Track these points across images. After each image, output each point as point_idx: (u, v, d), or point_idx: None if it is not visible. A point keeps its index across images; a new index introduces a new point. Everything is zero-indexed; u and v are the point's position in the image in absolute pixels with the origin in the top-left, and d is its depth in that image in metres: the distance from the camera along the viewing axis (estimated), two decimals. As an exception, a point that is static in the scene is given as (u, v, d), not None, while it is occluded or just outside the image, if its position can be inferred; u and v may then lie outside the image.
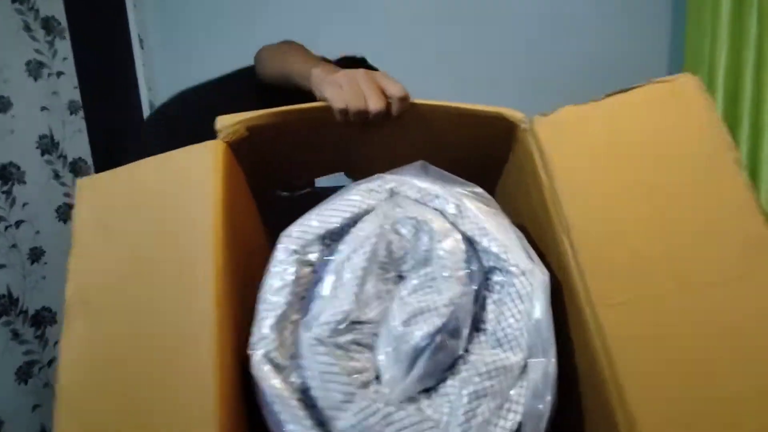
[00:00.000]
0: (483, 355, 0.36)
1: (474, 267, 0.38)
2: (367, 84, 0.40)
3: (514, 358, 0.35)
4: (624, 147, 0.37)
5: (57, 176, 1.23)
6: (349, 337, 0.34)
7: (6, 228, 1.12)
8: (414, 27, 1.28)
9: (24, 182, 1.17)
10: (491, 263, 0.38)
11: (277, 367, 0.33)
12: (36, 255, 1.13)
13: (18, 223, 1.14)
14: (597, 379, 0.34)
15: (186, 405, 0.29)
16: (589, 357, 0.35)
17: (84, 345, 0.33)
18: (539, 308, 0.35)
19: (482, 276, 0.38)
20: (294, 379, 0.33)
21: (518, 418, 0.34)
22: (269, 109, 0.40)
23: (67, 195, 1.24)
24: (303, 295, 0.36)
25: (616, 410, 0.32)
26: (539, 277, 0.36)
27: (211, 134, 0.76)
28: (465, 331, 0.36)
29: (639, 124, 0.37)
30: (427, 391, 0.35)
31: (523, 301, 0.36)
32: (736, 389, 0.31)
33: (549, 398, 0.34)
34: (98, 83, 1.33)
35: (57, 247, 1.19)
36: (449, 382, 0.36)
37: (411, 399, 0.34)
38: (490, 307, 0.38)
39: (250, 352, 0.33)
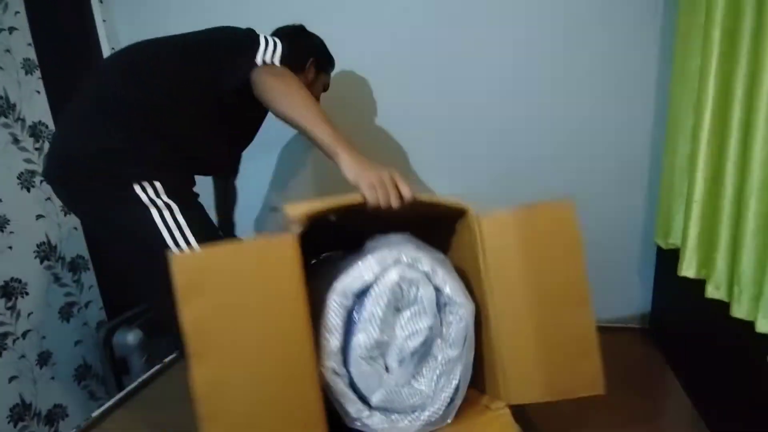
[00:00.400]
0: (442, 352, 0.66)
1: (440, 304, 0.66)
2: (391, 187, 0.62)
3: (457, 352, 0.66)
4: (521, 242, 0.67)
5: (16, 141, 1.17)
6: (376, 352, 0.61)
7: (-34, 195, 1.09)
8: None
9: (-21, 145, 1.11)
10: (446, 300, 0.67)
11: (337, 375, 0.59)
12: (0, 224, 1.13)
13: (-21, 189, 1.11)
14: (492, 351, 0.67)
15: (301, 409, 0.52)
16: (489, 342, 0.68)
17: (212, 384, 0.51)
18: (469, 325, 0.66)
19: (443, 308, 0.67)
20: (345, 378, 0.60)
21: (457, 382, 0.66)
22: (326, 204, 0.60)
23: (28, 161, 1.21)
24: (345, 330, 0.61)
25: (496, 360, 0.66)
26: (470, 307, 0.67)
27: (168, 100, 0.74)
28: (437, 342, 0.66)
29: (530, 229, 0.67)
30: (414, 375, 0.65)
31: (462, 321, 0.67)
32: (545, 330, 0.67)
33: (471, 371, 0.67)
34: (54, 40, 1.23)
35: (22, 215, 1.18)
36: (425, 368, 0.65)
37: (408, 381, 0.63)
38: (445, 325, 0.67)
39: (322, 369, 0.58)
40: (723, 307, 0.82)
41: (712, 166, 0.88)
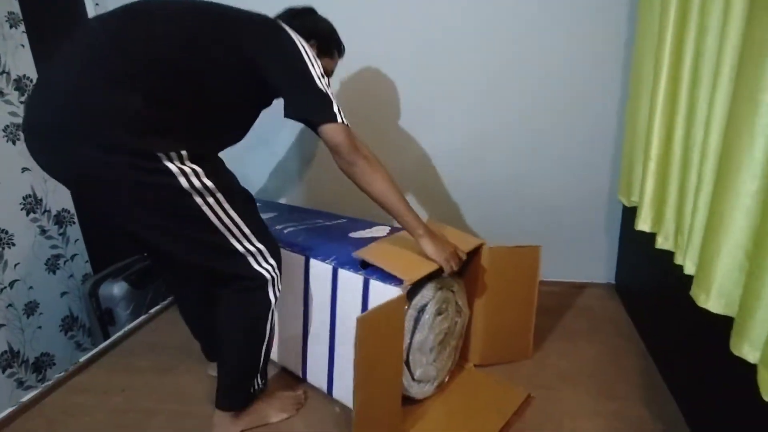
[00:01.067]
0: (450, 343, 1.02)
1: (458, 313, 1.01)
2: (458, 257, 0.91)
3: (456, 341, 1.04)
4: (505, 267, 1.04)
5: (1, 93, 1.19)
6: (424, 344, 0.93)
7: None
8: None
9: (-33, 95, 1.14)
10: (459, 309, 1.01)
11: (404, 361, 0.90)
12: (-14, 176, 1.14)
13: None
14: (470, 334, 1.08)
15: (388, 391, 0.87)
16: (470, 329, 1.08)
17: (365, 370, 0.79)
18: (465, 323, 1.05)
19: (458, 315, 1.01)
20: (404, 361, 0.90)
21: (454, 358, 1.05)
22: (424, 271, 0.88)
23: (13, 114, 1.24)
24: (413, 330, 0.92)
25: (472, 340, 1.08)
26: (468, 313, 1.04)
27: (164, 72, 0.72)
28: (450, 340, 1.01)
29: (511, 260, 1.05)
30: (436, 358, 0.98)
31: (462, 321, 1.03)
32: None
33: (460, 349, 1.06)
34: (38, -7, 1.25)
35: (7, 168, 1.22)
36: (441, 353, 1.00)
37: (432, 361, 0.97)
38: (457, 324, 1.02)
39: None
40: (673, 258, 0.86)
41: (666, 125, 0.92)
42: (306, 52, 0.82)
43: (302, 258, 1.00)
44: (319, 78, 0.82)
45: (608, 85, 1.28)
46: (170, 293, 1.11)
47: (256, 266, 0.84)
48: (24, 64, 1.29)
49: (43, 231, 1.31)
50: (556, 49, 1.28)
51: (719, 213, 0.70)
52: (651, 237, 0.99)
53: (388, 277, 0.86)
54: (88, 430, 0.97)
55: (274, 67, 0.81)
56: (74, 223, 1.39)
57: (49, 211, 1.33)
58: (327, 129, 0.81)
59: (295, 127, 1.49)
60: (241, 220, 0.81)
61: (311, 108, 0.81)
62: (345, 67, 1.37)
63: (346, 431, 0.92)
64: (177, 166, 0.73)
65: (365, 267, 0.90)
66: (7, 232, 1.23)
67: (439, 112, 1.41)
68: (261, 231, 0.85)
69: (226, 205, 0.79)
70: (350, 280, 0.92)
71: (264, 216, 1.20)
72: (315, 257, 0.98)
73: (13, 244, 1.24)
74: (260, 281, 0.85)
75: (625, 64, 1.25)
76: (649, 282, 1.17)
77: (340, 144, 0.81)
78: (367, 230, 1.09)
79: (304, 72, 0.81)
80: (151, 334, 1.30)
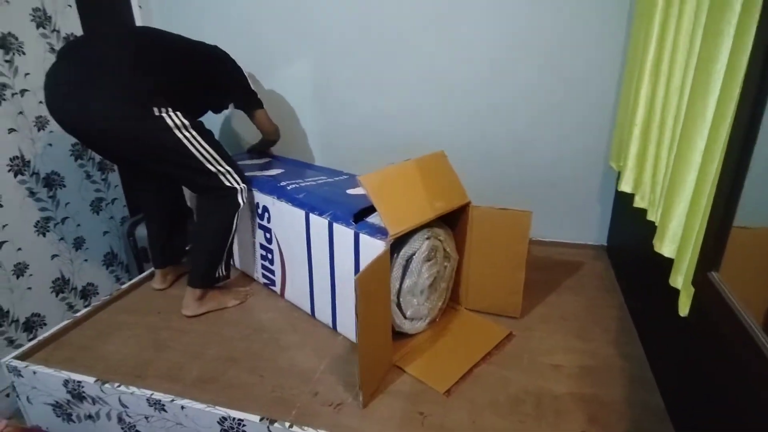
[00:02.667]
0: (440, 285, 1.17)
1: (446, 258, 1.16)
2: None
3: (446, 284, 1.20)
4: (494, 226, 1.18)
5: (53, 50, 1.43)
6: (414, 287, 1.09)
7: (12, 95, 1.37)
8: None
9: (23, 53, 1.38)
10: (446, 255, 1.16)
11: (393, 302, 1.07)
12: (42, 124, 1.42)
13: (23, 92, 1.39)
14: (463, 281, 1.25)
15: (381, 330, 1.00)
16: (462, 276, 1.24)
17: (366, 309, 0.92)
18: (455, 268, 1.20)
19: (447, 260, 1.16)
20: (395, 303, 1.07)
21: (445, 299, 1.22)
22: (412, 224, 1.03)
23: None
24: (402, 276, 1.07)
25: (464, 286, 1.24)
26: (457, 258, 1.18)
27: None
28: (441, 282, 1.17)
29: (503, 221, 1.17)
30: (427, 298, 1.15)
31: (451, 266, 1.18)
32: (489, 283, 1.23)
33: (450, 291, 1.23)
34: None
35: None
36: (432, 294, 1.16)
37: (423, 302, 1.14)
38: (443, 268, 1.17)
39: (393, 300, 1.05)
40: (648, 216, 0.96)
41: (650, 92, 1.03)
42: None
43: (303, 213, 1.15)
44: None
45: (609, 60, 1.36)
46: (146, 211, 1.40)
47: (226, 182, 1.23)
48: (71, 23, 1.50)
49: (88, 176, 1.55)
50: (561, 25, 1.35)
51: (677, 169, 0.84)
52: (633, 199, 1.09)
53: (376, 231, 0.99)
54: (131, 341, 1.22)
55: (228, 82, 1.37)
56: (114, 170, 1.63)
57: (93, 159, 1.56)
58: (260, 112, 1.46)
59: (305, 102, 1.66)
60: (212, 149, 1.19)
61: (252, 103, 1.45)
62: (354, 45, 1.52)
63: (346, 355, 1.11)
64: (165, 114, 1.12)
65: (357, 221, 1.04)
66: (59, 175, 1.48)
67: (446, 80, 1.53)
68: (228, 158, 1.23)
69: (199, 138, 1.17)
70: (344, 233, 1.06)
71: (273, 171, 1.43)
72: (313, 212, 1.13)
73: (64, 186, 1.48)
74: (231, 191, 1.23)
75: (627, 41, 1.32)
76: (630, 240, 1.31)
77: (264, 117, 1.48)
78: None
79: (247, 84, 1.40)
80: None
